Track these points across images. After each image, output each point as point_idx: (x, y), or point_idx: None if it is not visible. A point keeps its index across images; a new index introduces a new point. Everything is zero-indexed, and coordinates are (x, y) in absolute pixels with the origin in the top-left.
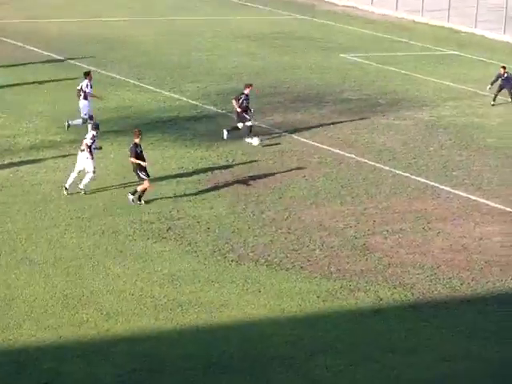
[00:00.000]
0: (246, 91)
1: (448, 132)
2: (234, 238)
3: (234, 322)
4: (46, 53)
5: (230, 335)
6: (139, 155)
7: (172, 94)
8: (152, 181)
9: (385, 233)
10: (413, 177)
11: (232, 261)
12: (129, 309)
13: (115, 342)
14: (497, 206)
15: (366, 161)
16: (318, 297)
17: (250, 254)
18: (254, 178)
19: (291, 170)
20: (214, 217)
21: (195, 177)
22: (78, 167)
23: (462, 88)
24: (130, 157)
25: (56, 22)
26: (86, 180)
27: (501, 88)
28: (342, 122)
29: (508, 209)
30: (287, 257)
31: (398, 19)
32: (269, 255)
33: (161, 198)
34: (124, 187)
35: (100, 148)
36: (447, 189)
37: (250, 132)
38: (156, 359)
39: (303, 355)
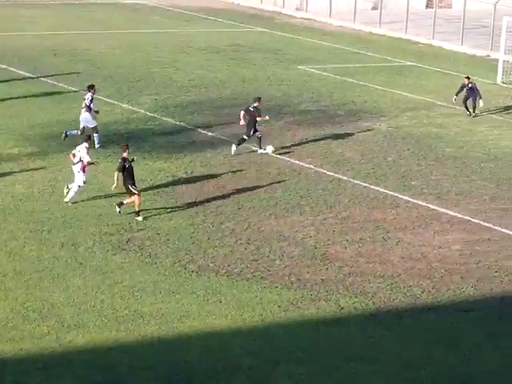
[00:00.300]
0: (256, 104)
1: (406, 142)
2: (194, 249)
3: (196, 332)
4: (2, 66)
5: (192, 346)
6: (126, 169)
7: (130, 107)
8: (109, 193)
9: (344, 242)
10: (372, 186)
11: (192, 272)
12: (90, 321)
13: (77, 354)
14: (456, 214)
15: (324, 171)
16: (279, 306)
17: (211, 264)
18: (212, 188)
19: (250, 181)
20: (174, 228)
21: (154, 189)
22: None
23: (419, 98)
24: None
25: (14, 35)
26: (73, 190)
27: (466, 98)
28: (300, 133)
29: (467, 217)
30: (247, 267)
31: (355, 31)
32: (229, 266)
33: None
34: (82, 200)
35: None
36: (406, 198)
37: (260, 143)
38: (118, 371)
39: (265, 365)
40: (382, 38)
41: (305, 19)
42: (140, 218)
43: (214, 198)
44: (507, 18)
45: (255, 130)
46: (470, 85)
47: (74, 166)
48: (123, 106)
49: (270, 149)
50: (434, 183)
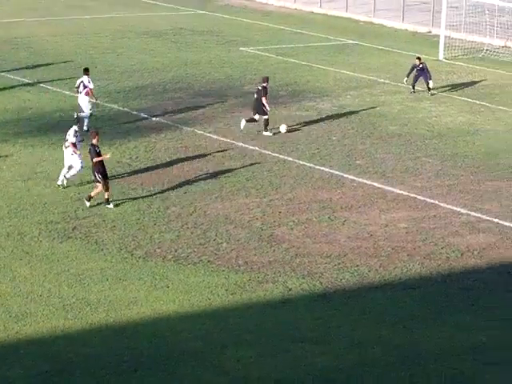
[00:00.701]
0: (265, 84)
1: (350, 121)
2: (141, 234)
3: (144, 318)
4: None
5: (140, 332)
6: (99, 155)
7: (73, 94)
8: (54, 182)
9: (291, 223)
10: (317, 167)
11: (139, 258)
12: (37, 310)
13: (25, 344)
14: (401, 192)
15: (269, 153)
16: (226, 290)
17: (157, 250)
18: (158, 173)
19: (195, 164)
20: (120, 214)
21: None
22: (66, 163)
23: (362, 77)
24: (92, 158)
25: None
26: (71, 173)
27: (416, 78)
28: (244, 115)
29: (412, 195)
30: (194, 251)
31: (296, 11)
32: (176, 250)
33: (65, 198)
34: (28, 190)
35: (82, 140)
36: (351, 177)
37: (267, 125)
38: (66, 360)
39: (214, 348)
40: (322, 17)
41: (245, 0)
42: (111, 206)
43: (159, 183)
44: None
45: (262, 112)
46: (420, 65)
47: (65, 151)
48: (66, 92)
49: (283, 128)
50: (379, 161)
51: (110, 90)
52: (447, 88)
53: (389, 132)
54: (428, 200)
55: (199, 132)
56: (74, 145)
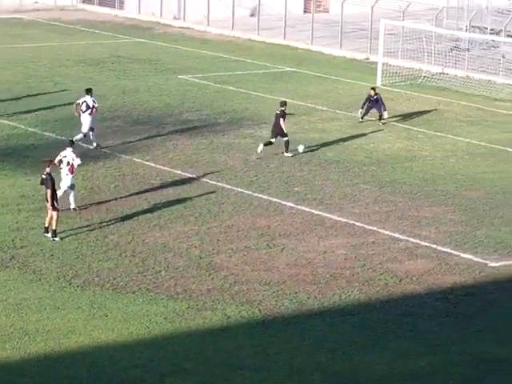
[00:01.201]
0: (283, 108)
1: (289, 149)
2: (79, 263)
3: (82, 347)
4: None
5: (79, 361)
6: (52, 185)
7: (10, 123)
8: None
9: (229, 251)
10: (255, 194)
11: (77, 286)
12: None
13: None
14: (339, 219)
15: (207, 180)
16: (165, 318)
17: (96, 278)
18: (96, 202)
19: (133, 193)
20: (58, 243)
21: (37, 204)
22: (63, 184)
23: (300, 104)
24: (48, 187)
25: None
26: (71, 198)
27: (369, 109)
28: (182, 143)
29: (351, 221)
30: (133, 280)
31: (234, 38)
32: (114, 279)
33: (2, 227)
34: None
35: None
36: (290, 204)
37: (288, 147)
38: None
39: (153, 377)
40: (260, 44)
41: (183, 28)
42: (49, 235)
43: (98, 212)
44: (385, 20)
45: (282, 134)
46: (375, 96)
47: (61, 171)
48: (3, 122)
49: (301, 148)
50: (317, 188)
51: (48, 118)
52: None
53: (327, 159)
54: (366, 226)
55: (137, 160)
56: (71, 166)
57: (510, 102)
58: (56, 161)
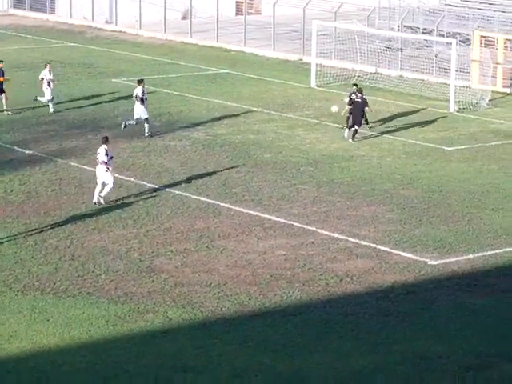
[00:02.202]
0: (360, 95)
1: (225, 150)
2: (18, 268)
3: (24, 352)
4: None
5: (21, 366)
6: None
7: None
8: None
9: (169, 253)
10: (193, 196)
11: (18, 291)
12: None
13: None
14: (278, 219)
15: (145, 183)
16: (106, 321)
17: (36, 283)
18: (33, 206)
19: (71, 196)
20: None
21: None
22: (100, 181)
23: (235, 106)
24: None
25: None
26: (105, 191)
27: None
28: (118, 146)
29: (289, 222)
30: (73, 284)
31: (167, 41)
32: (54, 283)
33: None
34: None
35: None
36: (228, 206)
37: (355, 134)
38: None
39: (96, 381)
40: (193, 47)
41: (116, 32)
42: None
43: (36, 216)
44: (317, 21)
45: (359, 123)
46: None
47: (98, 168)
48: None
49: (334, 108)
50: (255, 189)
51: None
52: (320, 115)
53: (264, 160)
54: (305, 227)
55: (74, 164)
56: (106, 163)
57: (444, 101)
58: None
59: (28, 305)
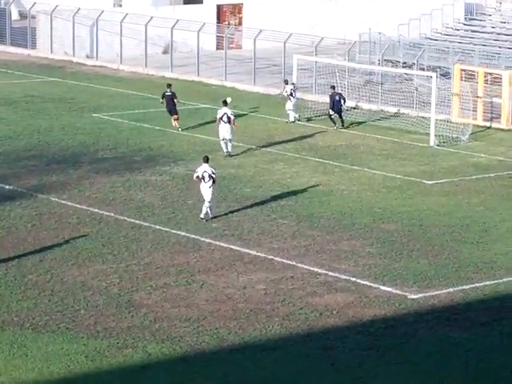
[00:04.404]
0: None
1: None
2: None
3: None
4: None
5: None
6: None
7: None
8: None
9: (149, 288)
10: (173, 231)
11: None
12: None
13: None
14: (258, 254)
15: (125, 218)
16: (86, 357)
17: (15, 318)
18: (13, 242)
19: (51, 231)
20: None
21: None
22: (207, 197)
23: (216, 140)
24: None
25: None
26: (204, 209)
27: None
28: (99, 181)
29: (270, 256)
30: (52, 319)
31: (147, 76)
32: (33, 318)
33: None
34: None
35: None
36: (208, 241)
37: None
38: None
39: None
40: (174, 81)
41: (96, 66)
42: None
43: (15, 251)
44: (297, 55)
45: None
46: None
47: (204, 184)
48: None
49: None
50: (235, 224)
51: None
52: (300, 149)
53: (244, 194)
54: (285, 261)
55: (54, 199)
56: (213, 179)
57: (424, 135)
58: (195, 177)
59: (7, 340)
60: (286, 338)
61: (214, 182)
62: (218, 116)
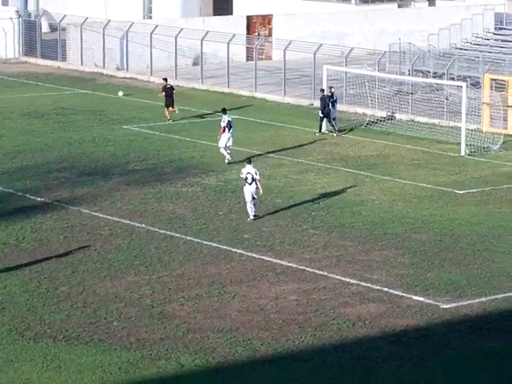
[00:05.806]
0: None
1: (236, 196)
2: (30, 315)
3: None
4: None
5: None
6: None
7: None
8: None
9: (181, 299)
10: (205, 242)
11: (30, 339)
12: None
13: None
14: (290, 264)
15: (156, 229)
16: (119, 368)
17: (48, 330)
18: (45, 254)
19: (82, 243)
20: (8, 296)
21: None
22: (248, 198)
23: (247, 151)
24: None
25: None
26: (249, 210)
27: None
28: (130, 192)
29: (301, 267)
30: (85, 331)
31: (178, 87)
32: (66, 330)
33: None
34: None
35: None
36: (240, 251)
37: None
38: None
39: None
40: (204, 93)
41: (126, 78)
42: None
43: (48, 263)
44: (327, 66)
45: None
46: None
47: (248, 187)
48: None
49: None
50: (267, 235)
51: None
52: (331, 159)
53: (275, 205)
54: (317, 271)
55: (85, 211)
56: (258, 180)
57: (455, 145)
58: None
59: (40, 352)
60: (318, 349)
61: (257, 183)
62: (223, 124)
